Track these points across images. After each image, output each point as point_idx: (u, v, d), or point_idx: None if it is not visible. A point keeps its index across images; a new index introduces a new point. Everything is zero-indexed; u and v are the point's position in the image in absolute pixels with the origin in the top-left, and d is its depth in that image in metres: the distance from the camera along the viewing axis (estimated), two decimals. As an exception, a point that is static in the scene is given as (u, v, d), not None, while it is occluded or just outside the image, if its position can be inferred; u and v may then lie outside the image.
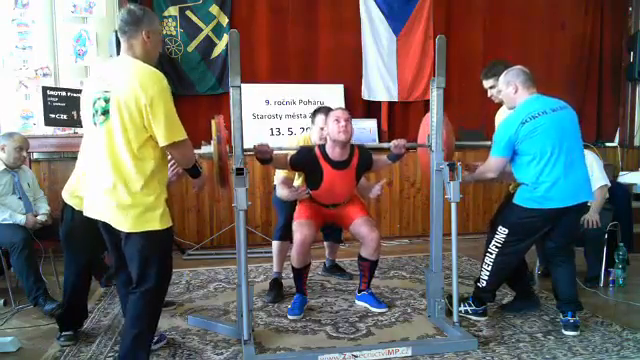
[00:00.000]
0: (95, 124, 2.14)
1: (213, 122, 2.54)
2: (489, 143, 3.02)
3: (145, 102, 2.05)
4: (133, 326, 2.21)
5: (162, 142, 2.11)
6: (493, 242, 2.92)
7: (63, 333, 2.80)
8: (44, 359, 2.62)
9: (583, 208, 2.92)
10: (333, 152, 3.04)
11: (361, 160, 3.13)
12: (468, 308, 3.07)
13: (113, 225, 2.17)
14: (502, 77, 2.88)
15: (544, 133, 2.70)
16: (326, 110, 3.30)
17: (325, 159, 3.05)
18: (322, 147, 3.08)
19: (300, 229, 3.11)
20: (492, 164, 2.86)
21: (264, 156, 2.86)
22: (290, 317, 3.09)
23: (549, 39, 5.95)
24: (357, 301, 3.34)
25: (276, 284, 3.52)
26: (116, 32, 4.23)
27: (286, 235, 3.47)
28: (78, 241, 2.75)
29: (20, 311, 3.28)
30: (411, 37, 5.61)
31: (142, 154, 2.12)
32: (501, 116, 3.18)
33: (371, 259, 3.22)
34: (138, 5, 2.21)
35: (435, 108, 2.95)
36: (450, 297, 2.93)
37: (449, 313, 2.93)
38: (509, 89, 2.85)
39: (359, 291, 3.34)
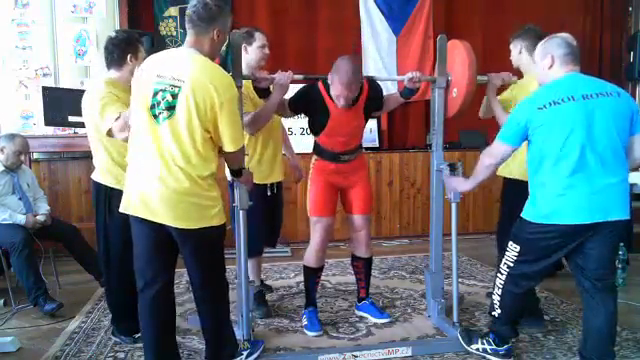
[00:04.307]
0: (155, 117, 2.03)
1: None
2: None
3: (218, 105, 2.00)
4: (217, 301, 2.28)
5: (229, 148, 2.10)
6: (504, 260, 2.42)
7: (137, 336, 2.68)
8: (44, 359, 2.62)
9: (615, 228, 2.22)
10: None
11: (370, 95, 2.84)
12: (487, 346, 2.51)
13: (173, 224, 2.07)
14: (540, 46, 2.36)
15: (562, 125, 2.15)
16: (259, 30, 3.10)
17: (331, 97, 2.76)
18: (326, 83, 2.77)
19: (320, 222, 2.91)
20: (494, 148, 2.37)
21: (261, 84, 2.67)
22: (311, 334, 2.86)
23: (549, 39, 5.95)
24: (357, 311, 3.16)
25: (261, 297, 3.22)
26: (116, 32, 4.26)
27: (259, 249, 3.19)
28: None
29: (20, 311, 3.28)
30: (411, 37, 5.61)
31: (205, 154, 2.06)
32: (521, 90, 2.84)
33: (363, 256, 3.06)
34: (215, 0, 2.09)
35: (435, 108, 2.95)
36: (466, 330, 2.68)
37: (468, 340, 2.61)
38: (544, 62, 2.30)
39: (359, 299, 3.15)
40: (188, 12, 2.10)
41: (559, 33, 2.39)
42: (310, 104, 2.84)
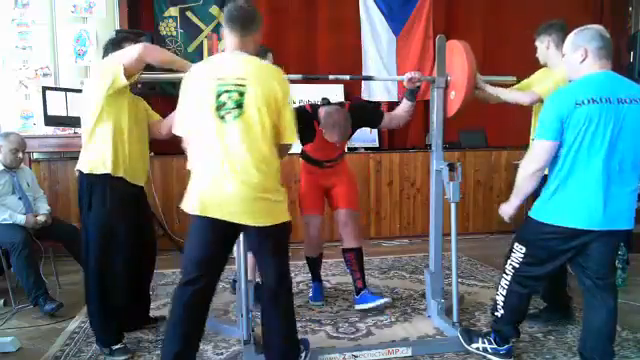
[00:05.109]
0: (222, 117, 2.08)
1: (205, 42, 2.52)
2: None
3: (281, 99, 2.12)
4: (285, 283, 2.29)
5: (291, 139, 2.21)
6: (510, 261, 2.41)
7: (115, 348, 2.59)
8: (44, 359, 2.62)
9: (620, 233, 2.24)
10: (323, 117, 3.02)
11: (352, 118, 2.98)
12: (487, 346, 2.50)
13: (254, 223, 2.12)
14: (570, 38, 2.23)
15: (594, 126, 2.08)
16: None
17: (317, 120, 3.01)
18: (313, 106, 3.07)
19: (311, 222, 3.22)
20: (536, 151, 2.20)
21: None
22: (313, 303, 3.30)
23: (549, 39, 5.95)
24: (357, 305, 3.18)
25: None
26: (116, 32, 4.27)
27: None
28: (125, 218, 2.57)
29: (20, 311, 3.28)
30: (411, 37, 5.61)
31: (274, 149, 2.17)
32: (544, 78, 2.84)
33: (351, 247, 3.19)
34: (247, 3, 2.22)
35: (434, 108, 2.95)
36: (466, 330, 2.68)
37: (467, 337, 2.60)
38: (576, 54, 2.18)
39: (357, 291, 3.21)
40: (230, 17, 2.17)
41: (591, 25, 2.24)
42: (299, 123, 2.91)
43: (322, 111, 2.99)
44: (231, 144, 2.07)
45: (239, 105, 2.07)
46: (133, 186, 2.62)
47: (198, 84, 2.14)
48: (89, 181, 2.54)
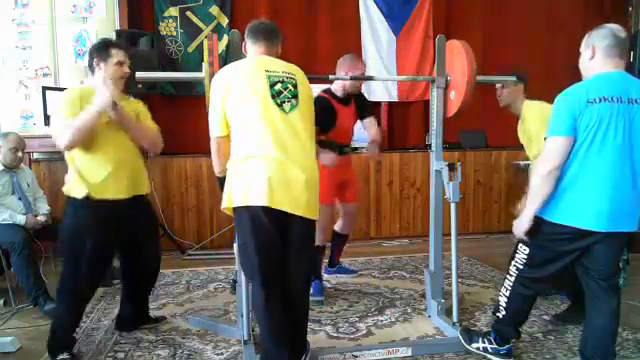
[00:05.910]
0: (280, 105, 2.15)
1: (205, 42, 2.55)
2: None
3: (313, 98, 2.36)
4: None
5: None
6: (513, 262, 2.39)
7: (60, 357, 2.53)
8: (44, 359, 2.62)
9: (624, 237, 2.22)
10: (338, 91, 3.29)
11: (357, 99, 3.41)
12: (488, 345, 2.49)
13: (307, 214, 2.17)
14: (585, 37, 2.22)
15: (605, 125, 2.05)
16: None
17: (335, 99, 3.27)
18: (327, 91, 3.31)
19: (327, 212, 3.27)
20: (549, 150, 2.13)
21: None
22: (313, 298, 3.15)
23: (549, 39, 5.95)
24: (328, 275, 3.80)
25: None
26: (117, 32, 4.27)
27: None
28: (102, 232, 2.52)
29: (20, 311, 3.28)
30: (411, 37, 5.61)
31: None
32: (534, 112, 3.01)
33: (346, 233, 3.71)
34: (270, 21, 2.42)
35: (434, 108, 2.95)
36: (466, 329, 2.66)
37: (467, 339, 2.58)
38: (586, 53, 2.18)
39: (333, 265, 3.84)
40: (255, 30, 2.32)
41: (608, 24, 2.19)
42: (321, 112, 2.91)
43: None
44: (293, 133, 2.15)
45: (295, 96, 2.19)
46: (116, 203, 2.53)
47: (242, 78, 2.17)
48: (67, 201, 2.57)
